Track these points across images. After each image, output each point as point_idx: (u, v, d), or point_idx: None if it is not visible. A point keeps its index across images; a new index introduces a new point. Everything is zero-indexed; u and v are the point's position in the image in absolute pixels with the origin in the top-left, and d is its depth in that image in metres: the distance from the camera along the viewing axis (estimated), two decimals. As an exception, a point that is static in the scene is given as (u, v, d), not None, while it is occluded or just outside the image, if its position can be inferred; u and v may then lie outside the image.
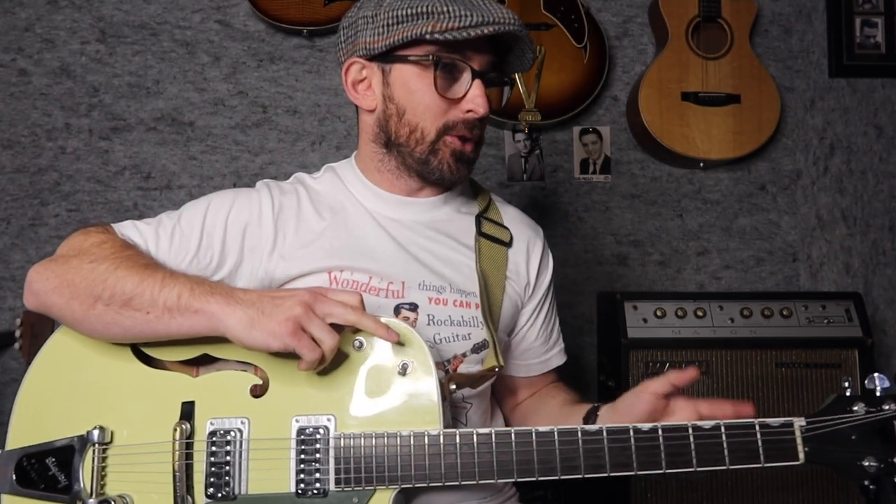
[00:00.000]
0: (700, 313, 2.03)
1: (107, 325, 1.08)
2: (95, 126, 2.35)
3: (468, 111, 1.18)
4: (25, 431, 1.11)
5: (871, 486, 1.02)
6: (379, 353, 1.08)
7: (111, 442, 1.08)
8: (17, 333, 2.02)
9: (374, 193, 1.29)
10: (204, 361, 1.12)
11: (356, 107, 1.31)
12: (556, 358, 1.44)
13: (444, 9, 1.13)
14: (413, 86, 1.19)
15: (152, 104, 2.38)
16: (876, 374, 1.04)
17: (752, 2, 2.39)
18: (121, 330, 1.08)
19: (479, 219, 1.33)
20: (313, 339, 1.00)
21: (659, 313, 2.02)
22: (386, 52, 1.19)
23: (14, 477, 1.09)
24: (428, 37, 1.13)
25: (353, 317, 1.02)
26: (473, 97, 1.17)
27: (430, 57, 1.16)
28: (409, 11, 1.15)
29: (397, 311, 1.21)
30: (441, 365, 1.21)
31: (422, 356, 1.07)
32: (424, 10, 1.14)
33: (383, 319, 1.09)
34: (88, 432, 1.07)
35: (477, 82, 1.17)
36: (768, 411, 1.98)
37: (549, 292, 1.40)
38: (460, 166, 1.22)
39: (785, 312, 2.03)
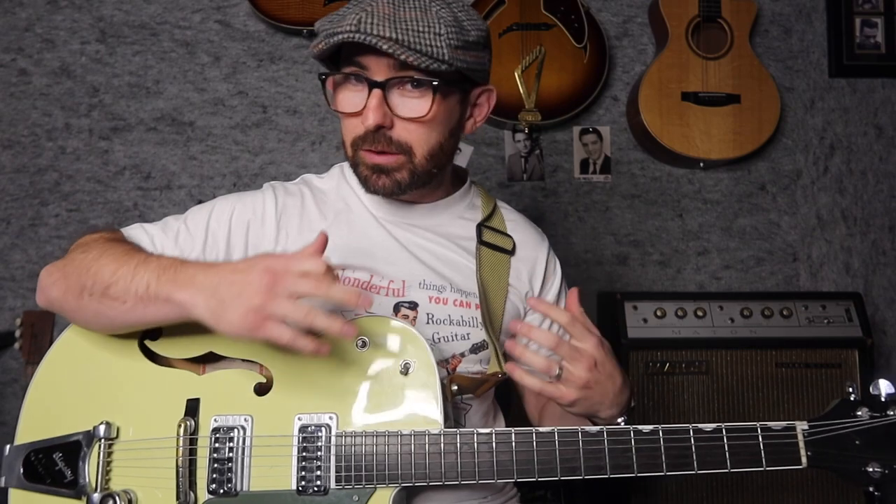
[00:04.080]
0: (700, 313, 2.03)
1: (96, 316, 1.09)
2: (95, 126, 2.35)
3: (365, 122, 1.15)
4: (34, 427, 1.12)
5: (875, 493, 1.02)
6: (381, 352, 1.08)
7: (117, 437, 1.09)
8: (17, 333, 2.02)
9: (373, 197, 1.29)
10: (210, 359, 1.13)
11: None
12: None
13: (318, 27, 1.16)
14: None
15: (152, 104, 2.38)
16: (881, 380, 1.04)
17: (752, 2, 2.39)
18: (107, 321, 1.08)
19: (480, 227, 1.32)
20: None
21: (659, 313, 2.02)
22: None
23: (22, 471, 1.10)
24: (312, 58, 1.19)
25: (322, 289, 0.95)
26: (366, 109, 1.14)
27: (320, 75, 1.20)
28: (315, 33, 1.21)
29: (397, 309, 1.21)
30: (442, 364, 1.21)
31: (424, 356, 1.08)
32: (315, 31, 1.18)
33: (383, 318, 1.10)
34: (95, 427, 1.08)
35: (374, 93, 1.12)
36: (769, 411, 1.98)
37: (557, 302, 1.38)
38: (377, 178, 1.18)
39: (785, 312, 2.03)
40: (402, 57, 1.08)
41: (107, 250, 1.10)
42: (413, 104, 1.15)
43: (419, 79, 1.13)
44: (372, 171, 1.18)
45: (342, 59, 1.18)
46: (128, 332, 1.12)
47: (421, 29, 1.10)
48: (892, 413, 1.02)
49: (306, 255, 0.98)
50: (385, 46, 1.07)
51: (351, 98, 1.17)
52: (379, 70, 1.13)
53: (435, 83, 1.13)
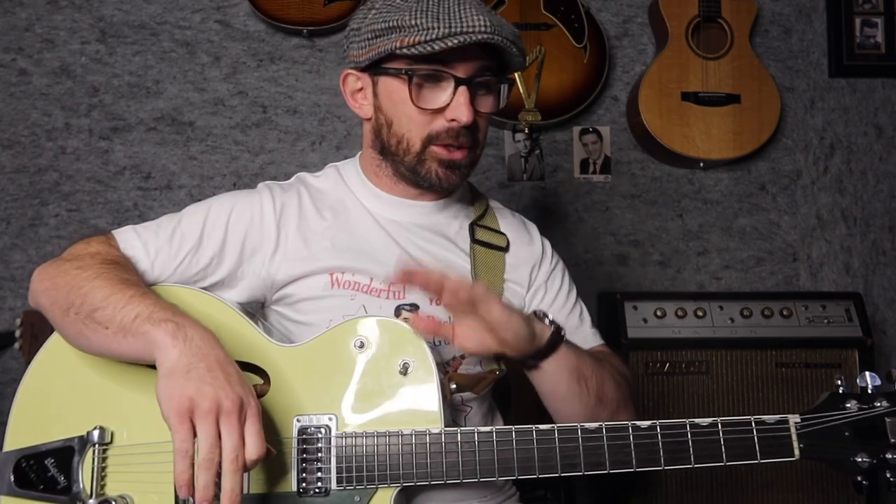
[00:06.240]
0: (700, 313, 2.03)
1: (76, 336, 1.07)
2: (95, 126, 2.35)
3: (451, 120, 1.17)
4: (24, 432, 1.10)
5: (863, 482, 1.04)
6: (380, 352, 1.08)
7: (111, 442, 1.08)
8: (17, 333, 2.02)
9: (374, 194, 1.30)
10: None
11: None
12: (590, 340, 1.37)
13: (414, 22, 1.13)
14: (396, 98, 1.20)
15: (152, 104, 2.38)
16: (867, 373, 1.06)
17: (752, 2, 2.40)
18: (87, 343, 1.06)
19: (473, 227, 1.33)
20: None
21: (659, 313, 2.02)
22: (371, 65, 1.21)
23: (12, 478, 1.08)
24: (398, 52, 1.15)
25: (233, 467, 0.91)
26: (457, 106, 1.15)
27: (404, 71, 1.17)
28: (383, 26, 1.16)
29: (397, 311, 1.21)
30: (441, 366, 1.20)
31: (422, 356, 1.08)
32: (396, 24, 1.15)
33: (380, 318, 1.10)
34: (88, 433, 1.06)
35: (461, 90, 1.15)
36: (768, 411, 1.94)
37: (554, 277, 1.36)
38: (450, 173, 1.21)
39: (785, 312, 2.03)
40: (520, 60, 1.20)
41: (104, 272, 1.08)
42: (487, 100, 1.22)
43: (500, 78, 1.22)
44: (446, 167, 1.21)
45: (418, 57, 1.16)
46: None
47: (514, 31, 1.19)
48: (878, 405, 1.04)
49: (260, 441, 0.94)
50: (514, 50, 1.16)
51: (431, 94, 1.18)
52: (465, 68, 1.17)
53: (510, 80, 1.24)
